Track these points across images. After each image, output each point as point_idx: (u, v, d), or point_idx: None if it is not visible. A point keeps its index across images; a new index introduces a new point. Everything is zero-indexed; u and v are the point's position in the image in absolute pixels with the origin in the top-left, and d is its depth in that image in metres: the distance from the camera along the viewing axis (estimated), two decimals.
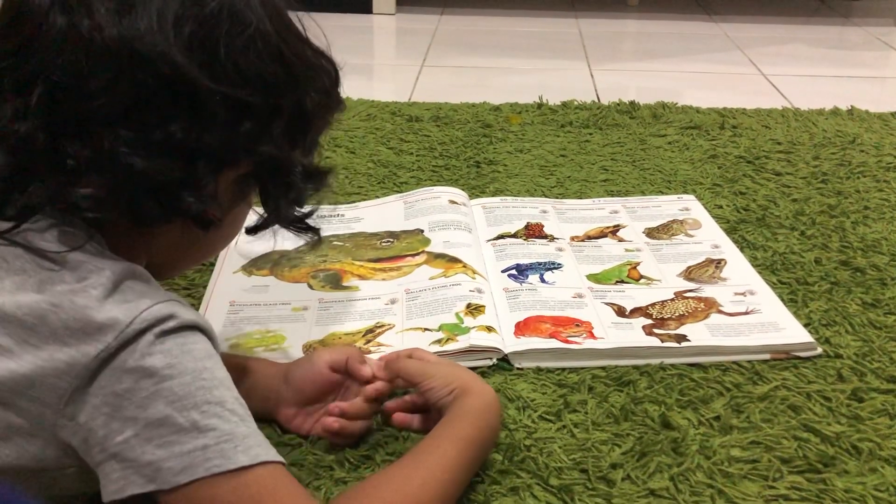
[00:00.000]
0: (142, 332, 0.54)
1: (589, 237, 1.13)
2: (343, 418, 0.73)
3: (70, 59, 0.54)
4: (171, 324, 0.55)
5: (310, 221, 0.69)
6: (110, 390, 0.54)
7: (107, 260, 0.57)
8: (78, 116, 0.54)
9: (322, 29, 0.66)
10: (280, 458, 0.57)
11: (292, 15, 0.64)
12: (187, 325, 0.57)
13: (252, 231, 0.69)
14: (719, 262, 1.06)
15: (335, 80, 0.67)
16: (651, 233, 1.15)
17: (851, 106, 1.68)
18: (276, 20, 0.61)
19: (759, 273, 1.04)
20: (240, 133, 0.58)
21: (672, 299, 0.98)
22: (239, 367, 0.61)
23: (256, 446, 0.55)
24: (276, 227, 0.67)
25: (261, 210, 0.66)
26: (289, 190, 0.64)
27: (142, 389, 0.54)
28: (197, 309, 0.92)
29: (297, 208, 0.67)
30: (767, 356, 0.89)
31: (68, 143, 0.54)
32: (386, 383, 0.75)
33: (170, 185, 0.56)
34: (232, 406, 0.56)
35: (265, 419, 0.73)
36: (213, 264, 1.03)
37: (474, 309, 0.93)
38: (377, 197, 1.24)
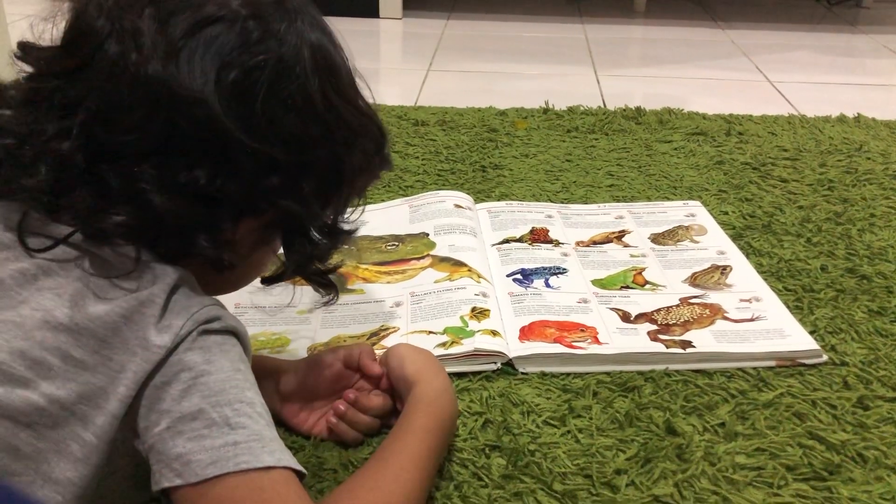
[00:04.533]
0: (191, 331, 0.56)
1: (594, 242, 1.13)
2: (354, 406, 0.75)
3: (112, 90, 0.54)
4: (215, 325, 0.57)
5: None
6: (150, 383, 0.55)
7: (164, 265, 0.57)
8: (112, 147, 0.55)
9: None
10: (300, 468, 0.57)
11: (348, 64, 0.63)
12: (228, 329, 0.58)
13: (267, 281, 0.69)
14: (725, 268, 1.06)
15: (380, 145, 0.66)
16: (656, 238, 1.15)
17: (858, 113, 1.68)
18: (325, 78, 0.59)
19: (765, 280, 1.04)
20: (265, 186, 0.58)
21: (677, 305, 0.98)
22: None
23: (279, 451, 0.56)
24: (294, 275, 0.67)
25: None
26: (312, 246, 0.64)
27: (179, 382, 0.55)
28: None
29: (319, 264, 0.67)
30: (773, 363, 0.89)
31: (104, 170, 0.55)
32: (388, 399, 0.76)
33: (186, 227, 0.57)
34: (260, 410, 0.57)
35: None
36: None
37: (479, 313, 0.93)
38: (383, 200, 1.24)
